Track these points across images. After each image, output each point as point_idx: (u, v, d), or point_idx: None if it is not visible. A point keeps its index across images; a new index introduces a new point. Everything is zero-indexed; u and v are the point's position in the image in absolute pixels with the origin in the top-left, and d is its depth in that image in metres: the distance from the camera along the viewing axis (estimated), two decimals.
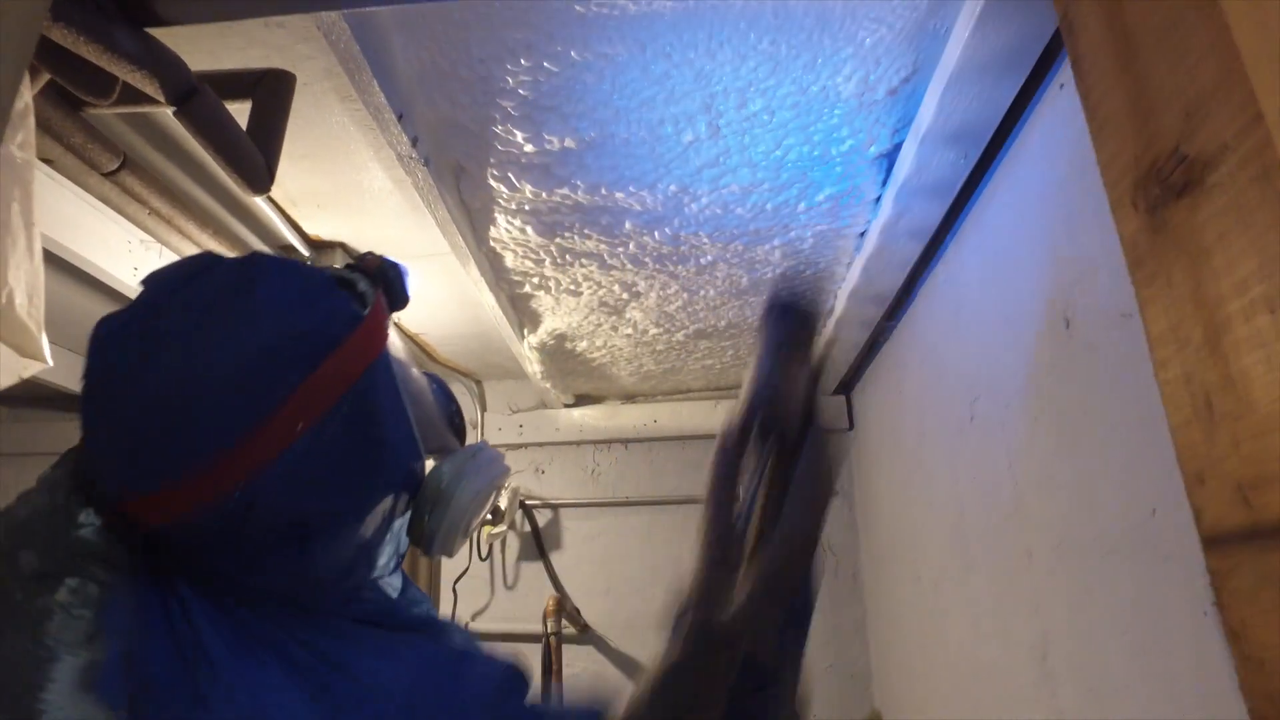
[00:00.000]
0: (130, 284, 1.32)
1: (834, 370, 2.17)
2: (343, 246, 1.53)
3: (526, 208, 1.40)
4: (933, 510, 1.58)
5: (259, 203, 1.34)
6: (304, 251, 1.50)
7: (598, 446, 2.52)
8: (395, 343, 0.61)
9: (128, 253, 1.31)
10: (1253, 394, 0.37)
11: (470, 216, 1.44)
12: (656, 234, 1.49)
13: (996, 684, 1.26)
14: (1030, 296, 1.07)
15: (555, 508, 2.46)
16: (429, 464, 0.65)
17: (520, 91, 1.10)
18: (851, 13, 0.97)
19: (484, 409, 2.54)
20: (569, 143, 1.21)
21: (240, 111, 0.94)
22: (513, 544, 2.45)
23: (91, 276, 1.31)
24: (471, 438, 2.56)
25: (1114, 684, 0.89)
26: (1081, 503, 0.96)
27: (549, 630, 1.97)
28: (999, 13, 0.87)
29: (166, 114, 0.97)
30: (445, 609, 2.36)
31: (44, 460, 0.54)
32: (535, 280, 1.70)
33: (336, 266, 0.63)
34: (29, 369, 0.73)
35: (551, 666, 1.93)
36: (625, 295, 1.78)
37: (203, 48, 0.95)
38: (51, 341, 0.77)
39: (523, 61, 1.05)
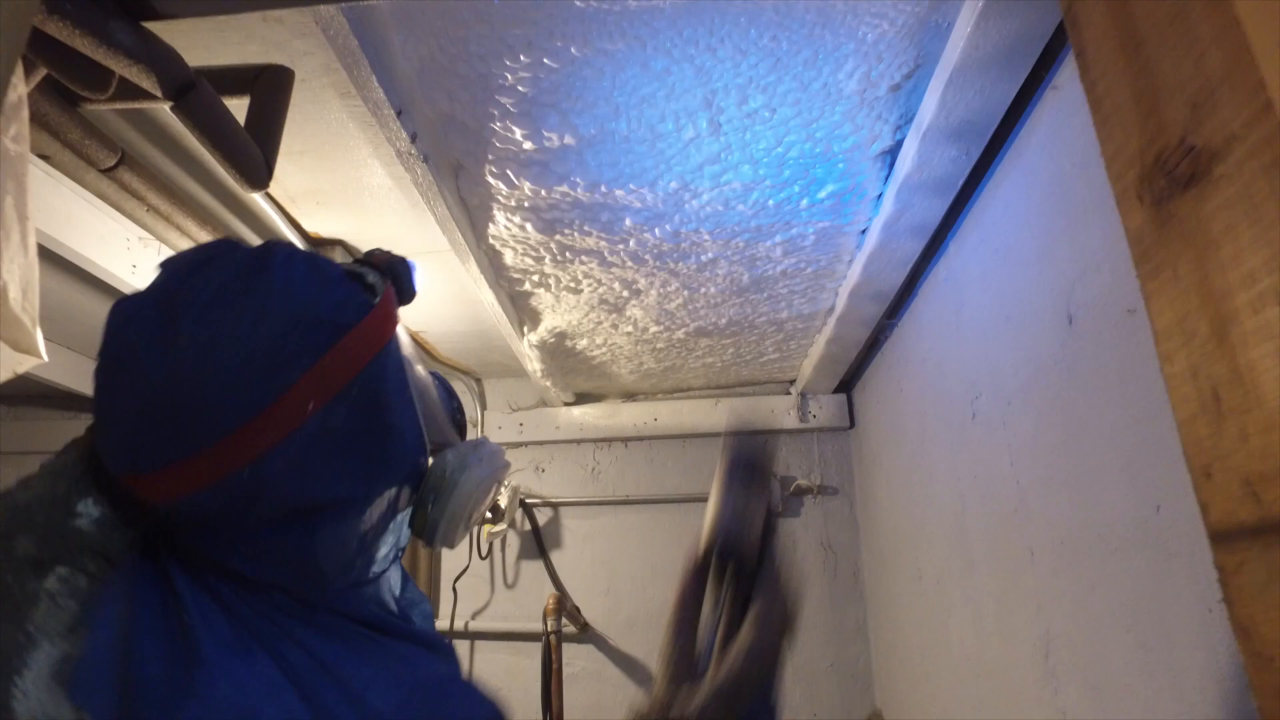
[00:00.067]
0: (129, 282, 1.32)
1: (834, 368, 2.17)
2: (342, 244, 1.53)
3: (526, 204, 1.39)
4: (934, 508, 1.58)
5: (258, 200, 1.34)
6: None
7: (598, 445, 2.51)
8: (403, 337, 0.62)
9: (126, 250, 1.30)
10: (1262, 387, 0.37)
11: (469, 213, 1.44)
12: (657, 231, 1.49)
13: (998, 683, 1.26)
14: (1032, 293, 1.07)
15: (555, 506, 2.46)
16: (431, 460, 0.65)
17: (520, 88, 1.10)
18: (853, 8, 0.97)
19: (484, 407, 2.54)
20: (568, 139, 1.21)
21: (238, 108, 0.94)
22: (513, 542, 2.45)
23: (90, 274, 1.31)
24: (471, 436, 2.55)
25: (1117, 682, 0.89)
26: (1084, 500, 0.95)
27: (549, 629, 1.97)
28: (1001, 7, 0.86)
29: (164, 110, 0.96)
30: (445, 607, 2.35)
31: (44, 459, 0.54)
32: (535, 278, 1.70)
33: (343, 262, 0.63)
34: (24, 364, 0.72)
35: (551, 665, 1.93)
36: (625, 293, 1.77)
37: (200, 43, 0.95)
38: (50, 339, 0.76)
39: (522, 58, 1.04)
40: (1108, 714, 0.91)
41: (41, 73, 0.78)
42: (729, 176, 1.32)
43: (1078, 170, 0.93)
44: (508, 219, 1.44)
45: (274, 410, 0.50)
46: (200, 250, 0.56)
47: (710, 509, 0.59)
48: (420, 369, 0.67)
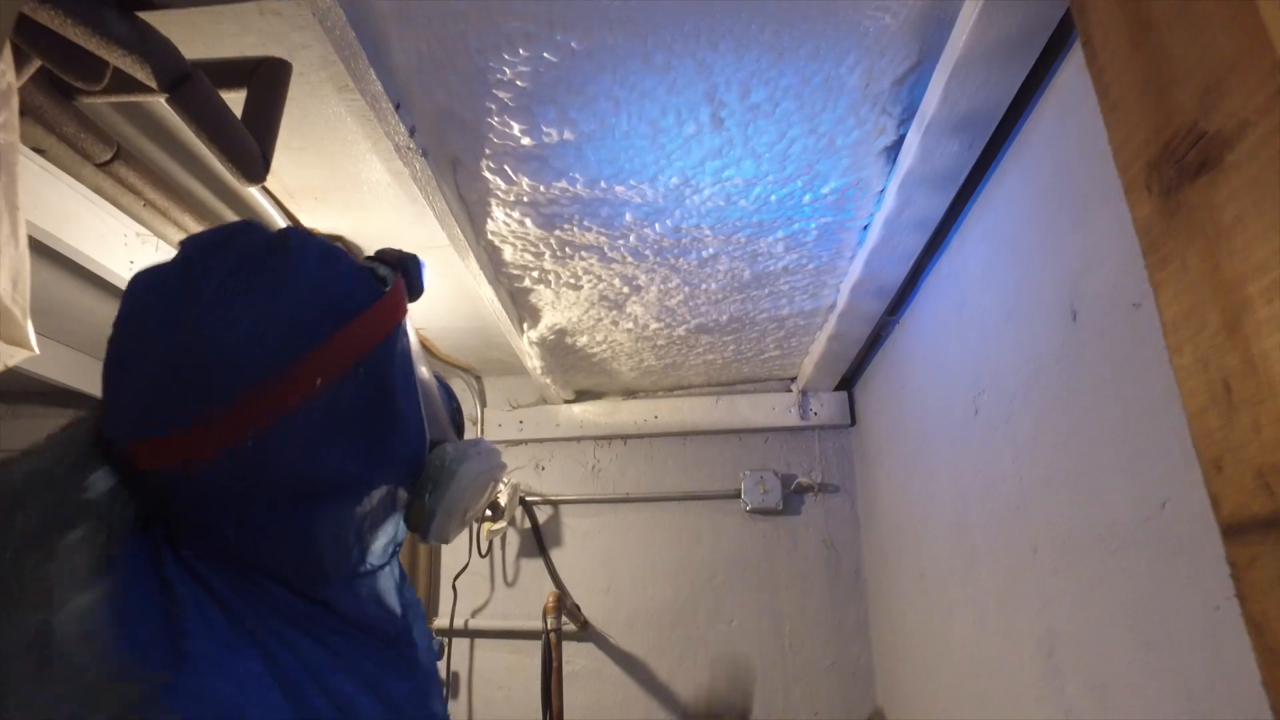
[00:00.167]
0: (126, 279, 1.31)
1: (836, 365, 2.16)
2: (341, 240, 1.52)
3: (525, 200, 1.38)
4: (936, 506, 1.57)
5: (256, 195, 1.33)
6: None
7: (598, 442, 2.50)
8: (411, 334, 0.64)
9: (123, 246, 1.30)
10: (1275, 377, 0.36)
11: (468, 209, 1.43)
12: (657, 226, 1.48)
13: (1001, 681, 1.25)
14: (1036, 288, 1.06)
15: (555, 504, 2.45)
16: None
17: (518, 83, 1.09)
18: (854, 2, 0.96)
19: (484, 405, 2.53)
20: (568, 134, 1.20)
21: (235, 101, 0.93)
22: (512, 540, 2.44)
23: (87, 270, 1.30)
24: (471, 434, 2.55)
25: (1121, 681, 0.88)
26: (1088, 497, 0.94)
27: (549, 627, 1.96)
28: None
29: (160, 104, 0.95)
30: (445, 605, 2.35)
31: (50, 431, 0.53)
32: (535, 274, 1.69)
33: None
34: (15, 357, 0.71)
35: (551, 663, 1.92)
36: (626, 289, 1.76)
37: (196, 35, 0.94)
38: (47, 336, 0.76)
39: (521, 51, 1.03)
40: (1111, 713, 0.90)
41: (35, 65, 0.77)
42: (731, 171, 1.31)
43: (1082, 163, 0.92)
44: (506, 214, 1.43)
45: (281, 380, 0.51)
46: (222, 228, 0.58)
47: None
48: (425, 368, 0.68)
